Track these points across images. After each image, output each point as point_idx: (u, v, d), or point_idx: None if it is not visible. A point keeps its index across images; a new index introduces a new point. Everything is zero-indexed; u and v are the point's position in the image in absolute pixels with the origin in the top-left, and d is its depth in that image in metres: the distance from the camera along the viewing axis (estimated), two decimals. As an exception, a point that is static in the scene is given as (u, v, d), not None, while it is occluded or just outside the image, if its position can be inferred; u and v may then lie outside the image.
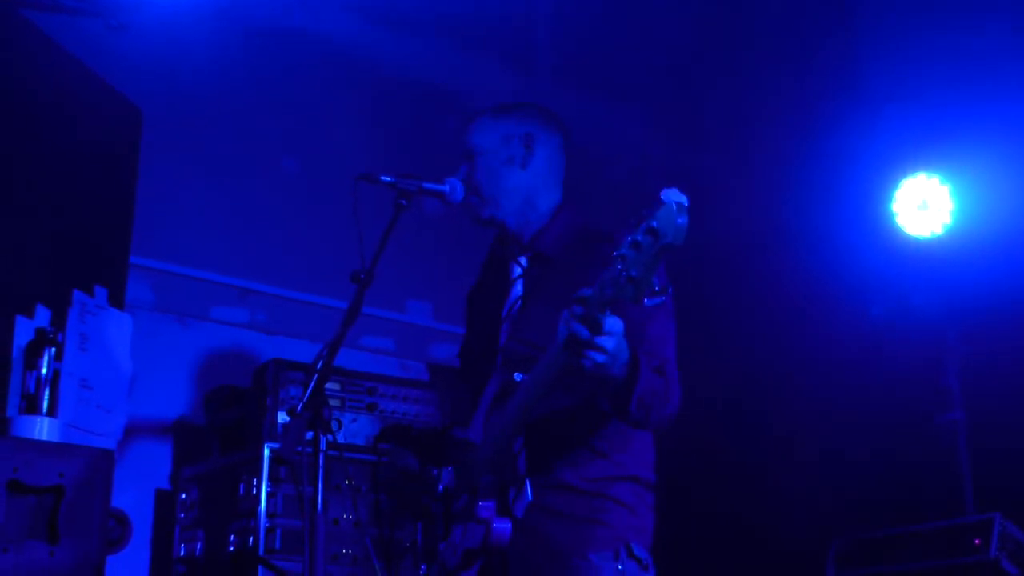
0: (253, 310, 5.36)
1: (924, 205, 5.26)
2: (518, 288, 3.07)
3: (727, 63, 5.97)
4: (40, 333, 3.70)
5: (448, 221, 5.34)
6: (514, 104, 3.22)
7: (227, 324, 5.26)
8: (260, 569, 4.02)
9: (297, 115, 5.55)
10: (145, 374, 4.63)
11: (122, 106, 4.56)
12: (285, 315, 5.40)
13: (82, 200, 4.26)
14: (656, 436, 3.00)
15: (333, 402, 4.41)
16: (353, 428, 4.49)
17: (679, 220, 2.15)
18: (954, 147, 5.19)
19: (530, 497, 2.73)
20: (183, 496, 4.65)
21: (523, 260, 3.09)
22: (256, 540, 4.10)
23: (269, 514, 4.14)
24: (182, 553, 4.56)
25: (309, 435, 2.63)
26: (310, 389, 2.62)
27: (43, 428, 3.55)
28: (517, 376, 2.74)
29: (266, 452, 4.18)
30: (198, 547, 4.46)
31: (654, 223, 2.16)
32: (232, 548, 4.23)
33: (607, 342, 2.45)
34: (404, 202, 2.92)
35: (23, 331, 3.71)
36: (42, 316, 3.81)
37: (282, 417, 4.29)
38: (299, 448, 2.58)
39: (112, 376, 4.05)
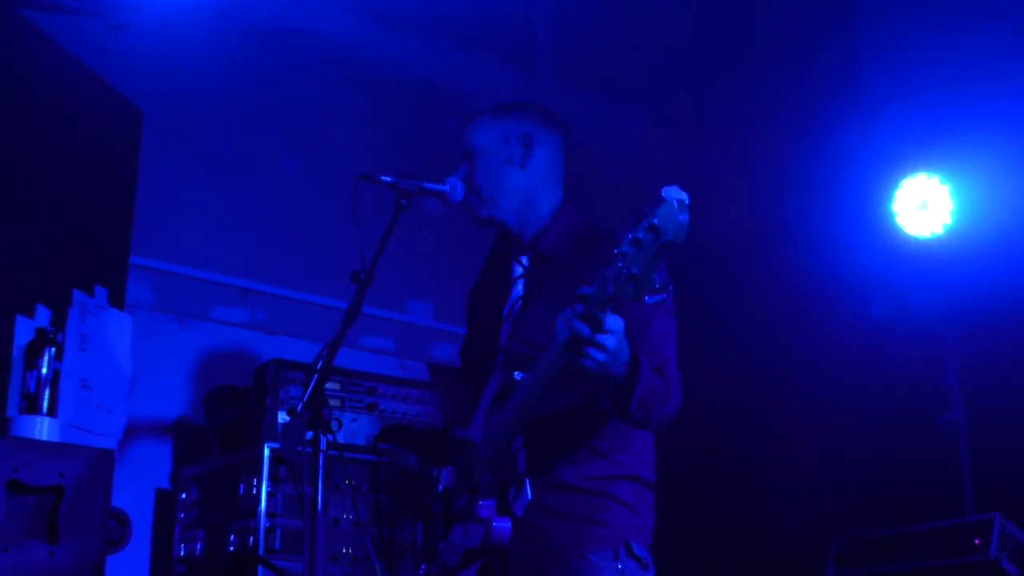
0: (253, 310, 5.36)
1: (924, 205, 5.26)
2: (519, 288, 3.07)
3: (727, 63, 5.97)
4: (40, 333, 3.70)
5: (448, 221, 5.34)
6: (514, 104, 3.22)
7: (227, 324, 5.26)
8: (260, 569, 4.02)
9: (297, 115, 5.55)
10: (145, 374, 4.63)
11: (122, 106, 4.56)
12: (285, 315, 5.40)
13: (82, 200, 4.26)
14: (656, 436, 3.00)
15: (333, 402, 4.41)
16: (353, 428, 4.49)
17: (680, 217, 2.16)
18: (954, 147, 5.19)
19: (530, 496, 2.73)
20: (183, 496, 4.65)
21: (524, 260, 3.09)
22: (256, 540, 4.10)
23: (269, 514, 4.14)
24: (182, 553, 4.56)
25: (309, 435, 2.63)
26: (310, 389, 2.62)
27: (43, 428, 3.55)
28: (517, 375, 2.74)
29: (266, 452, 4.18)
30: (198, 547, 4.46)
31: (655, 220, 2.17)
32: (232, 548, 4.23)
33: (608, 340, 2.45)
34: (404, 202, 2.92)
35: (23, 331, 3.72)
36: (42, 316, 3.81)
37: (282, 417, 4.29)
38: (299, 448, 2.58)
39: (112, 376, 4.06)
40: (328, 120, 5.67)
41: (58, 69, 4.27)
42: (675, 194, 2.17)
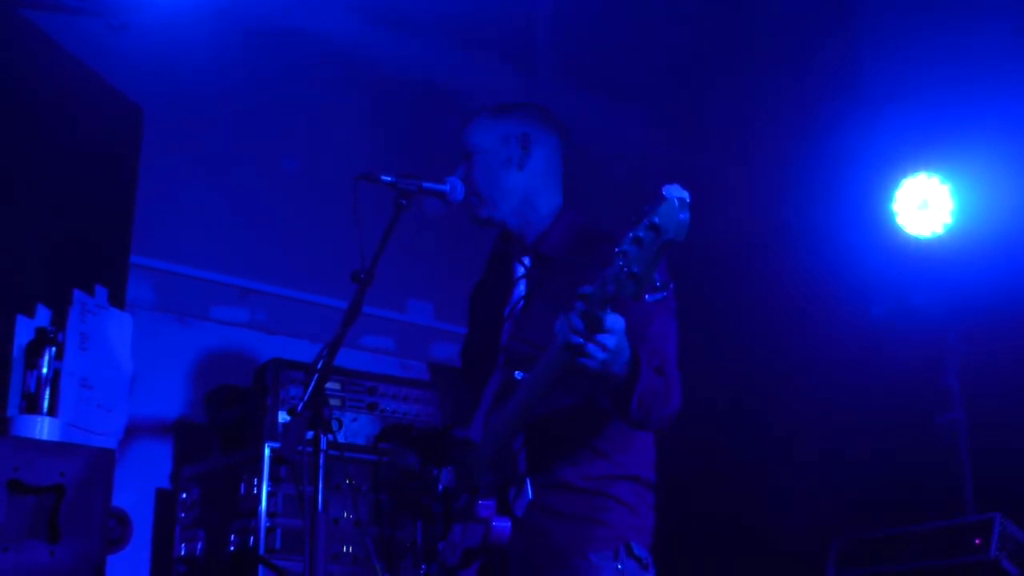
0: (253, 310, 5.36)
1: (924, 205, 5.26)
2: (521, 288, 3.07)
3: (727, 63, 5.98)
4: (41, 332, 3.71)
5: (448, 221, 5.34)
6: (513, 104, 3.21)
7: (227, 324, 5.26)
8: (261, 569, 4.02)
9: (297, 115, 5.55)
10: (146, 374, 4.63)
11: (123, 106, 4.56)
12: (285, 315, 5.40)
13: (82, 200, 4.26)
14: (657, 436, 3.00)
15: (334, 402, 4.41)
16: (354, 428, 4.49)
17: (681, 216, 2.15)
18: (954, 147, 5.19)
19: (530, 496, 2.73)
20: (184, 496, 4.65)
21: (526, 260, 3.09)
22: (257, 540, 4.10)
23: (270, 513, 4.14)
24: (183, 552, 4.56)
25: (310, 435, 2.63)
26: (311, 389, 2.62)
27: (44, 427, 3.55)
28: (518, 375, 2.74)
29: (267, 452, 4.19)
30: (199, 547, 4.46)
31: (656, 219, 2.16)
32: (233, 548, 4.23)
33: (608, 340, 2.45)
34: (404, 202, 2.92)
35: (24, 330, 3.72)
36: (43, 316, 3.82)
37: (283, 417, 4.29)
38: (300, 448, 2.58)
39: (113, 375, 4.06)
40: (328, 120, 5.67)
41: (58, 69, 4.27)
42: (676, 192, 2.17)
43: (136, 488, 4.72)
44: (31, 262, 3.93)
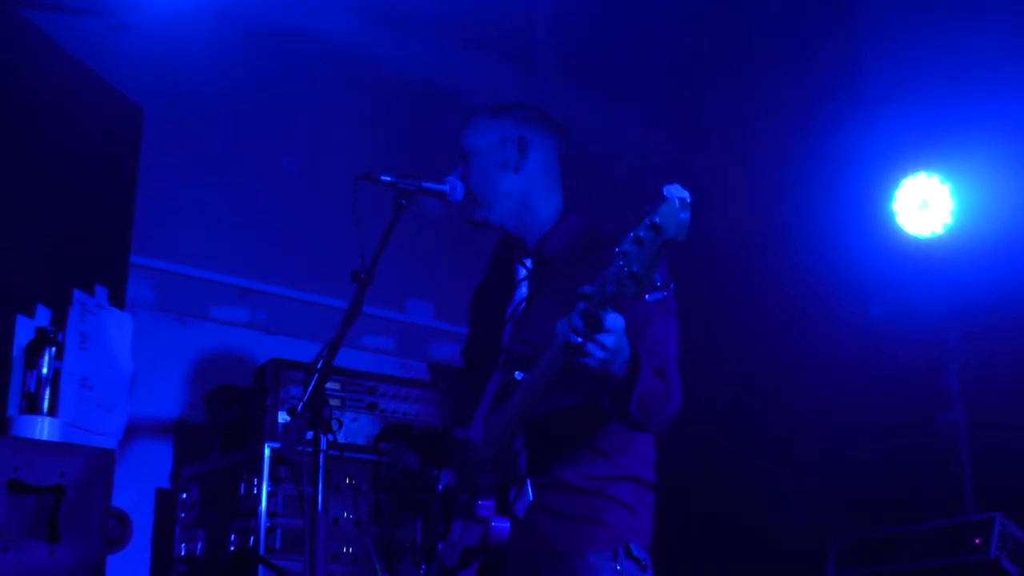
0: (253, 310, 5.36)
1: (924, 205, 5.26)
2: (523, 290, 3.06)
3: (727, 63, 5.98)
4: (41, 332, 3.71)
5: (448, 221, 5.31)
6: (511, 105, 3.20)
7: (227, 324, 5.26)
8: (261, 569, 4.02)
9: (297, 115, 5.55)
10: (146, 374, 4.63)
11: (123, 106, 4.56)
12: (285, 315, 5.40)
13: (82, 200, 4.26)
14: (657, 436, 3.00)
15: (334, 402, 4.41)
16: (354, 428, 4.49)
17: (682, 216, 2.15)
18: (954, 147, 5.19)
19: (531, 497, 2.73)
20: (184, 496, 4.65)
21: (528, 262, 3.08)
22: (257, 540, 4.10)
23: (270, 514, 4.14)
24: (183, 553, 4.57)
25: (310, 435, 2.63)
26: (310, 389, 2.62)
27: (44, 428, 3.55)
28: (518, 375, 2.74)
29: (267, 452, 4.19)
30: (199, 547, 4.46)
31: (657, 219, 2.16)
32: (233, 548, 4.23)
33: (607, 339, 2.45)
34: (404, 202, 2.92)
35: (24, 330, 3.72)
36: (43, 316, 3.82)
37: (283, 417, 4.29)
38: (300, 448, 2.58)
39: (113, 375, 4.06)
40: (328, 120, 5.67)
41: (58, 69, 4.27)
42: (677, 192, 2.17)
43: (136, 488, 4.72)
44: (31, 262, 3.93)
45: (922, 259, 5.32)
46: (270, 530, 4.12)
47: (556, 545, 2.81)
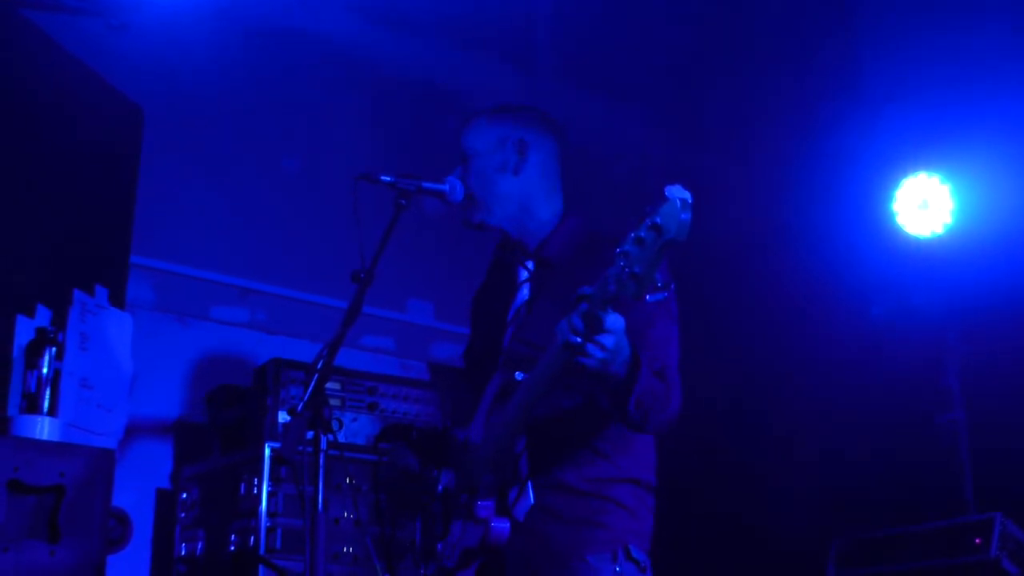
0: (253, 310, 5.36)
1: (924, 205, 5.27)
2: (524, 292, 3.06)
3: (727, 63, 5.98)
4: (41, 332, 3.70)
5: (448, 221, 5.32)
6: (511, 107, 3.19)
7: (227, 324, 5.27)
8: (261, 568, 4.03)
9: (297, 115, 5.55)
10: (146, 373, 4.63)
11: (123, 105, 4.56)
12: (285, 315, 5.40)
13: (82, 200, 4.26)
14: (657, 437, 3.00)
15: (334, 402, 4.41)
16: (354, 428, 4.49)
17: (683, 216, 2.15)
18: (954, 147, 5.20)
19: (532, 501, 2.73)
20: (184, 495, 4.65)
21: (529, 265, 3.08)
22: (257, 539, 4.10)
23: (270, 513, 4.14)
24: (183, 552, 4.57)
25: (310, 434, 2.63)
26: (311, 389, 2.62)
27: (44, 427, 3.55)
28: (518, 375, 2.74)
29: (267, 451, 4.19)
30: (199, 546, 4.46)
31: (658, 219, 2.16)
32: (233, 547, 4.23)
33: (607, 340, 2.45)
34: (404, 202, 2.92)
35: (24, 331, 3.72)
36: (43, 316, 3.81)
37: (283, 417, 4.29)
38: (300, 447, 2.58)
39: (113, 375, 4.06)
40: (328, 120, 5.67)
41: (58, 69, 4.26)
42: (678, 193, 2.16)
43: (136, 488, 4.72)
44: (31, 262, 3.93)
45: (922, 259, 5.32)
46: (270, 530, 4.12)
47: (556, 546, 2.81)
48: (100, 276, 4.18)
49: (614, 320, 2.43)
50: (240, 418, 4.53)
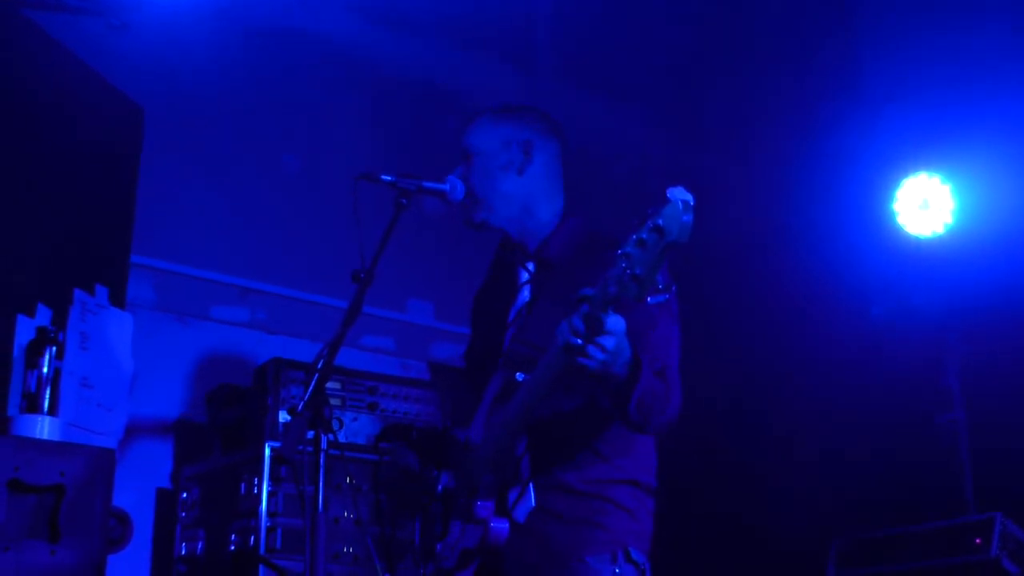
0: (254, 309, 5.36)
1: (925, 204, 5.27)
2: (525, 293, 3.06)
3: (727, 63, 5.98)
4: (41, 332, 3.71)
5: (448, 220, 5.32)
6: (515, 107, 3.20)
7: (228, 323, 5.27)
8: (261, 568, 4.03)
9: (297, 115, 5.55)
10: (146, 373, 4.63)
11: (123, 105, 4.56)
12: (286, 314, 5.40)
13: (83, 200, 4.26)
14: (657, 438, 3.00)
15: (334, 401, 4.41)
16: (354, 427, 4.49)
17: (685, 218, 2.15)
18: (955, 147, 5.20)
19: (533, 503, 2.73)
20: (184, 495, 4.65)
21: (530, 265, 3.08)
22: (257, 539, 4.10)
23: (270, 513, 4.14)
24: (183, 552, 4.57)
25: (310, 434, 2.63)
26: (311, 388, 2.62)
27: (44, 427, 3.55)
28: (519, 376, 2.74)
29: (267, 451, 4.19)
30: (199, 546, 4.46)
31: (660, 221, 2.16)
32: (233, 547, 4.23)
33: (608, 341, 2.45)
34: (404, 201, 2.91)
35: (24, 330, 3.72)
36: (43, 315, 3.82)
37: (283, 416, 4.29)
38: (300, 447, 2.58)
39: (113, 375, 4.06)
40: (328, 120, 5.67)
41: (59, 68, 4.27)
42: (680, 195, 2.16)
43: (136, 488, 4.72)
44: (31, 262, 3.93)
45: (922, 259, 5.33)
46: (270, 530, 4.12)
47: (555, 547, 2.81)
48: (100, 276, 4.18)
49: (615, 322, 2.43)
50: (240, 418, 4.53)
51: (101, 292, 4.13)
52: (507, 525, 2.74)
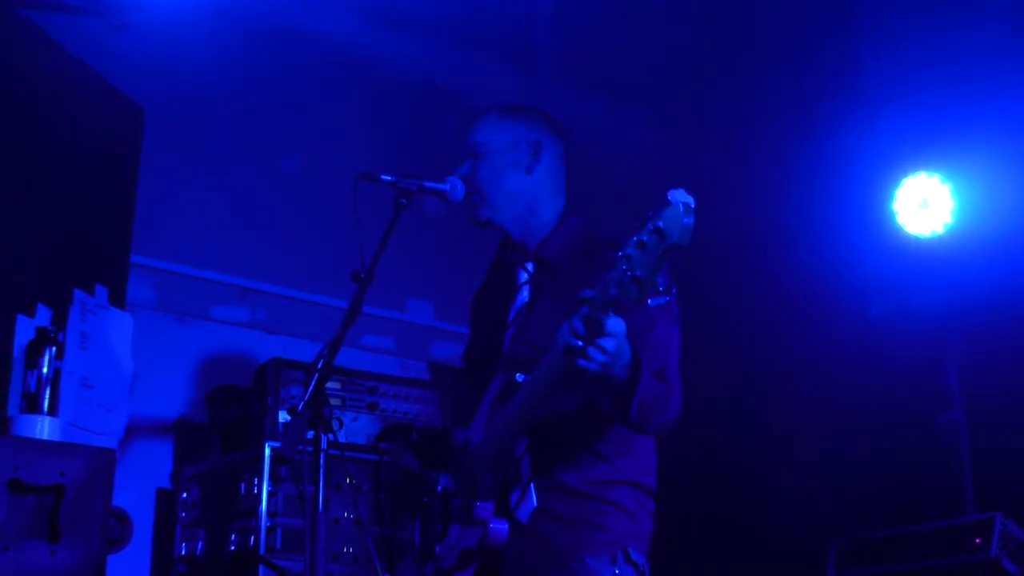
0: (254, 309, 5.36)
1: (925, 204, 5.26)
2: (524, 294, 3.06)
3: (727, 63, 5.98)
4: (41, 332, 3.71)
5: (449, 220, 5.34)
6: (521, 107, 3.20)
7: (228, 323, 5.27)
8: (261, 568, 4.03)
9: (297, 115, 5.55)
10: (146, 373, 4.63)
11: (123, 105, 4.56)
12: (286, 314, 5.40)
13: (82, 200, 4.26)
14: (657, 438, 3.00)
15: (334, 401, 4.41)
16: (354, 427, 4.49)
17: (685, 220, 2.15)
18: (954, 146, 5.20)
19: (535, 504, 2.73)
20: (184, 495, 4.65)
21: (530, 266, 3.08)
22: (257, 539, 4.10)
23: (270, 513, 4.14)
24: (183, 552, 4.57)
25: (310, 434, 2.63)
26: (311, 388, 2.62)
27: (44, 427, 3.55)
28: (519, 377, 2.74)
29: (267, 451, 4.19)
30: (199, 546, 4.46)
31: (660, 223, 2.16)
32: (233, 547, 4.23)
33: (608, 343, 2.45)
34: (404, 201, 2.91)
35: (24, 330, 3.72)
36: (43, 315, 3.81)
37: (283, 416, 4.29)
38: (300, 447, 2.58)
39: (113, 375, 4.06)
40: (328, 120, 5.67)
41: (59, 69, 4.26)
42: (681, 197, 2.17)
43: (136, 488, 4.72)
44: (31, 262, 3.93)
45: (922, 259, 5.32)
46: (270, 530, 4.12)
47: (555, 547, 2.81)
48: (100, 276, 4.18)
49: (615, 324, 2.43)
50: (240, 418, 4.53)
51: (101, 292, 4.13)
52: (507, 526, 2.74)
